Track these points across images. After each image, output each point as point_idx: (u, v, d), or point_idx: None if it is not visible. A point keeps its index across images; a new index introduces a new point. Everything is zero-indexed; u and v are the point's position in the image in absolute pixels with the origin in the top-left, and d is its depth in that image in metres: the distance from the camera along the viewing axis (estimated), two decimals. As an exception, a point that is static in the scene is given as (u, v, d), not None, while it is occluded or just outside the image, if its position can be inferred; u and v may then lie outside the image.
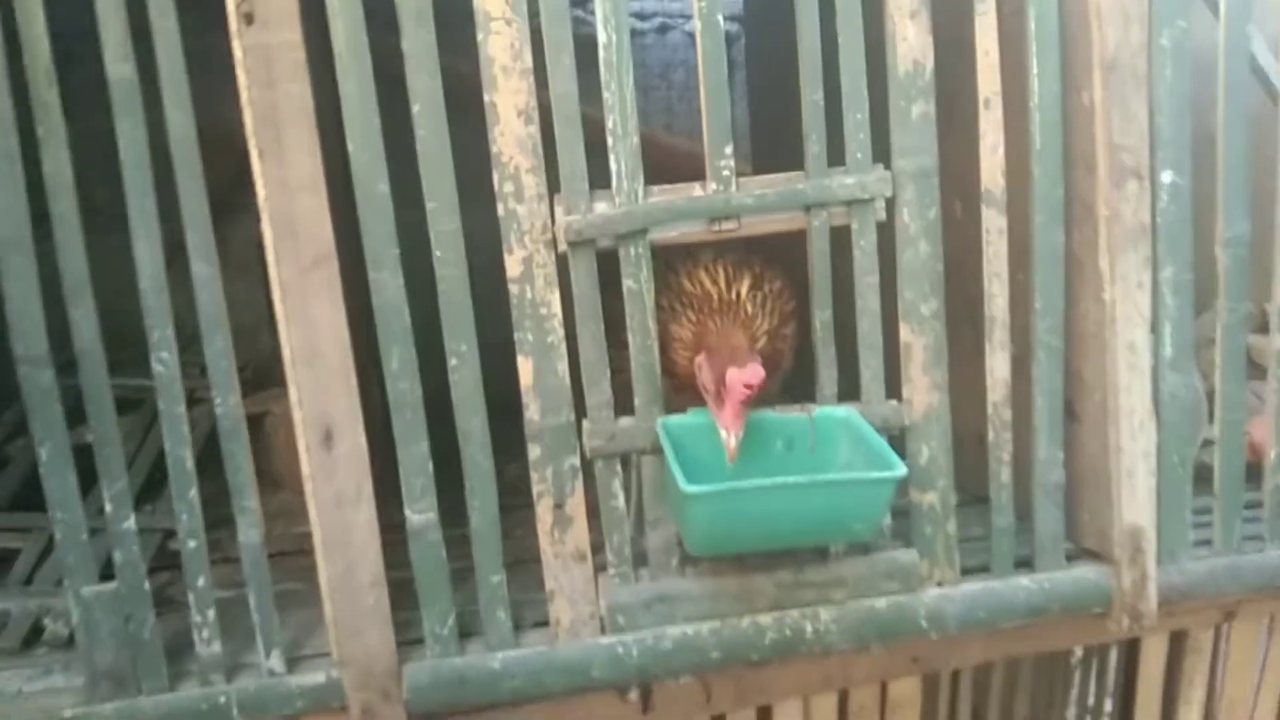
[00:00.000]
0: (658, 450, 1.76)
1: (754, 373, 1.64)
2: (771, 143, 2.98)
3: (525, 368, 1.73)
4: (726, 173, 1.75)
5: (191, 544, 1.68)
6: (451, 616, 1.76)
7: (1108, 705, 2.62)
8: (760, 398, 1.71)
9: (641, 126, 1.72)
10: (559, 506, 1.77)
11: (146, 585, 1.68)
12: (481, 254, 1.73)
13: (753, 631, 1.81)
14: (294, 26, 1.57)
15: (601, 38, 1.68)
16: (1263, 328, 2.31)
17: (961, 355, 1.89)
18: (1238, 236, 1.97)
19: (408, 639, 1.76)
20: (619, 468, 1.80)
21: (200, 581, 1.69)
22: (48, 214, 1.58)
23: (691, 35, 2.14)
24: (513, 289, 1.71)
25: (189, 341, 1.68)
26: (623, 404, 1.78)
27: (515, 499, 1.86)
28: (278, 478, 2.42)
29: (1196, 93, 1.89)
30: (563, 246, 1.71)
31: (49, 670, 1.80)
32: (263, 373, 2.57)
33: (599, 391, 1.77)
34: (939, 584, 1.91)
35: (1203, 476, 2.02)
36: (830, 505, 1.62)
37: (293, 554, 2.06)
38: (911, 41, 1.77)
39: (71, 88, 1.58)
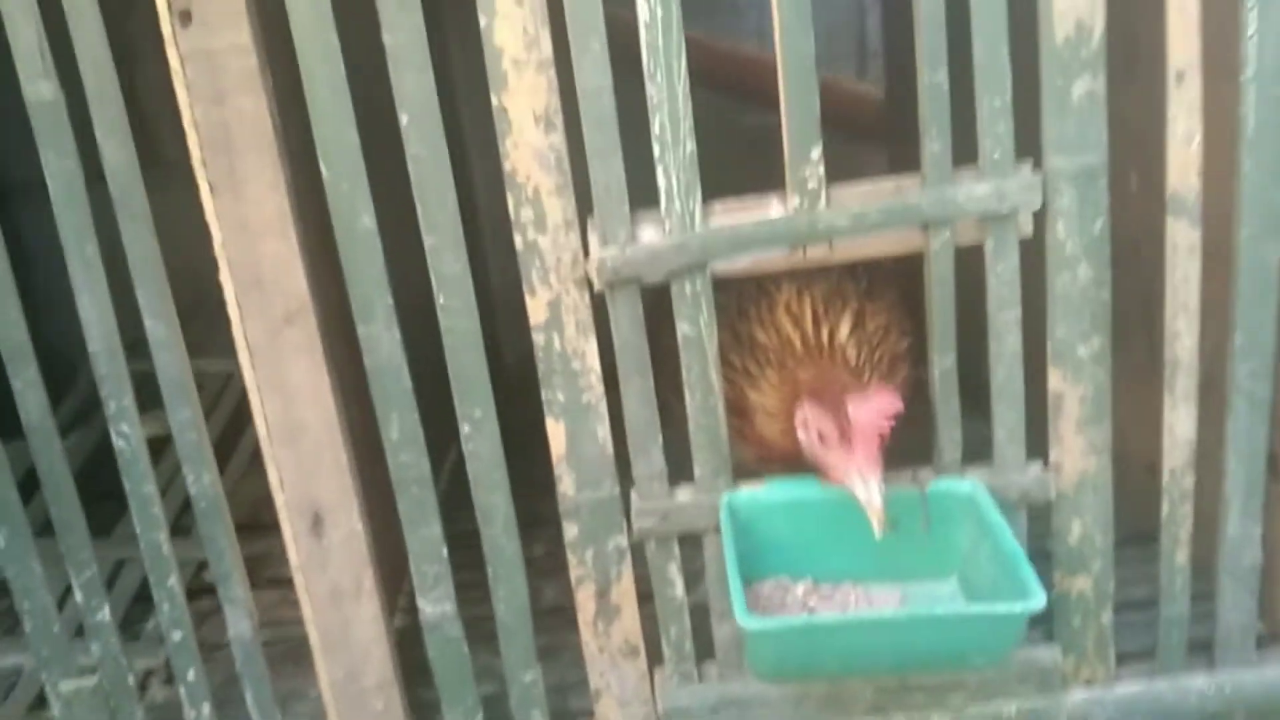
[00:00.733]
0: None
1: (889, 401, 1.29)
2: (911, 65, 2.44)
3: (556, 433, 1.40)
4: (813, 184, 1.33)
5: (177, 635, 1.46)
6: (479, 716, 1.50)
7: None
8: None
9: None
10: (603, 595, 1.46)
11: (130, 679, 1.48)
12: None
13: (845, 744, 1.48)
14: (240, 26, 1.22)
15: (642, 13, 1.26)
16: None
17: (1131, 367, 1.55)
18: None
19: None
20: (675, 549, 1.46)
21: (190, 675, 1.48)
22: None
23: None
24: (537, 338, 1.36)
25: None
26: (682, 463, 1.43)
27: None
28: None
29: None
30: (599, 285, 1.34)
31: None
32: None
33: (649, 461, 1.42)
34: (1087, 682, 1.54)
35: None
36: (941, 640, 1.25)
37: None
38: (1075, -5, 1.27)
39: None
